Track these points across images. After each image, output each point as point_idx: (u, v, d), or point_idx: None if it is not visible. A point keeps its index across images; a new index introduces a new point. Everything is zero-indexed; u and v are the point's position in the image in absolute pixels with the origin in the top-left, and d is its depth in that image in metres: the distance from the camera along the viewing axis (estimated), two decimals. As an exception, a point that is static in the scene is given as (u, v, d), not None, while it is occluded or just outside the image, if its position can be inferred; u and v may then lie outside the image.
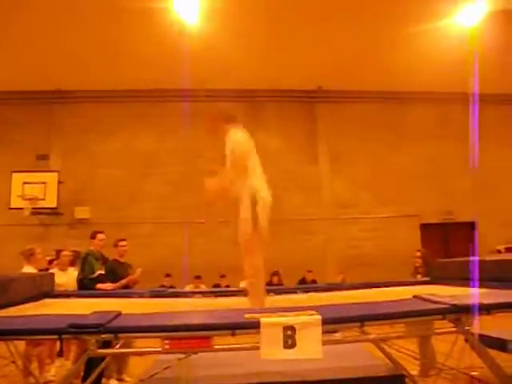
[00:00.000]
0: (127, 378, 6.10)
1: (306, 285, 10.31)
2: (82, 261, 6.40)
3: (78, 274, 6.32)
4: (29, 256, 6.85)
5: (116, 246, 6.86)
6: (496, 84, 12.78)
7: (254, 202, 4.26)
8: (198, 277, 11.68)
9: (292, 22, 10.71)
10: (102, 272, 6.27)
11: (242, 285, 11.26)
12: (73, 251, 7.90)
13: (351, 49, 11.59)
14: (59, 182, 12.49)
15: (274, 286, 9.84)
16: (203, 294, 6.07)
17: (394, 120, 14.39)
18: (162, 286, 10.35)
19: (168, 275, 11.55)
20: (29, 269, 6.78)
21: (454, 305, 3.06)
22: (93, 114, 13.55)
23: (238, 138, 4.44)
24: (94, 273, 6.16)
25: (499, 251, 12.23)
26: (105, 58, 11.54)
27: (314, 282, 11.44)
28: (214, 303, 4.72)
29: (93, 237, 6.55)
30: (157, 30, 10.45)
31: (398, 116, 14.41)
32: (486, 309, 3.07)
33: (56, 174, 12.62)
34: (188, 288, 10.61)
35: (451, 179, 14.06)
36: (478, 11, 10.57)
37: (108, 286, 6.08)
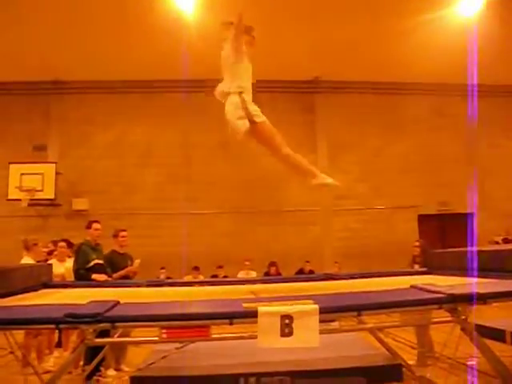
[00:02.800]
0: (126, 368, 6.12)
1: (303, 275, 10.35)
2: (77, 251, 6.39)
3: (74, 265, 6.31)
4: (30, 246, 6.88)
5: (116, 236, 6.86)
6: (493, 75, 12.77)
7: (243, 101, 4.25)
8: (195, 268, 11.72)
9: (289, 12, 10.65)
10: (99, 261, 6.25)
11: (240, 275, 11.35)
12: (64, 240, 7.91)
13: (349, 39, 11.52)
14: (57, 173, 12.48)
15: (272, 277, 9.89)
16: (201, 284, 6.08)
17: (392, 111, 14.37)
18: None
19: (163, 268, 11.54)
20: (28, 259, 6.80)
21: (451, 294, 3.07)
22: (90, 105, 13.50)
23: None
24: (89, 262, 6.14)
25: (497, 242, 12.26)
26: (102, 48, 11.47)
27: (311, 272, 11.49)
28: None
29: (88, 227, 6.55)
30: (154, 20, 10.38)
31: (396, 107, 14.39)
32: (483, 298, 3.07)
33: (54, 165, 12.60)
34: (186, 279, 10.63)
35: (448, 170, 14.07)
36: (476, 1, 10.54)
37: (102, 277, 6.06)
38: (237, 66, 4.41)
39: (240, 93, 4.27)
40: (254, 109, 4.25)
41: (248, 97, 4.29)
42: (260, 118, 4.23)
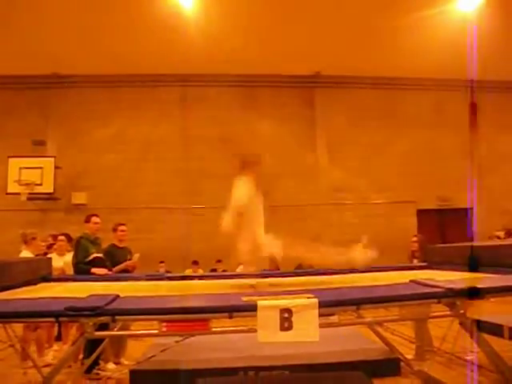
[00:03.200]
0: (125, 362, 6.13)
1: (303, 270, 10.35)
2: (76, 245, 6.38)
3: (73, 259, 6.30)
4: (30, 240, 6.87)
5: (115, 230, 6.84)
6: (493, 71, 12.74)
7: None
8: (195, 262, 11.72)
9: (290, 7, 10.62)
10: (98, 255, 6.24)
11: (240, 269, 11.35)
12: (64, 234, 7.90)
13: (350, 34, 11.50)
14: (56, 168, 12.45)
15: (271, 271, 9.89)
16: (201, 278, 6.09)
17: (392, 106, 14.35)
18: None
19: (162, 262, 11.54)
20: (26, 253, 6.80)
21: (450, 289, 3.08)
22: (89, 99, 13.46)
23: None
24: (88, 256, 6.14)
25: (498, 237, 12.26)
26: (101, 42, 11.43)
27: (311, 267, 11.48)
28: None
29: (87, 220, 6.53)
30: (153, 14, 10.36)
31: (396, 102, 14.37)
32: (482, 293, 3.09)
33: (53, 159, 12.58)
34: (186, 273, 10.64)
35: (448, 165, 14.06)
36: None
37: (102, 270, 6.05)
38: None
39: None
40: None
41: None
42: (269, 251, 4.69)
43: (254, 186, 4.79)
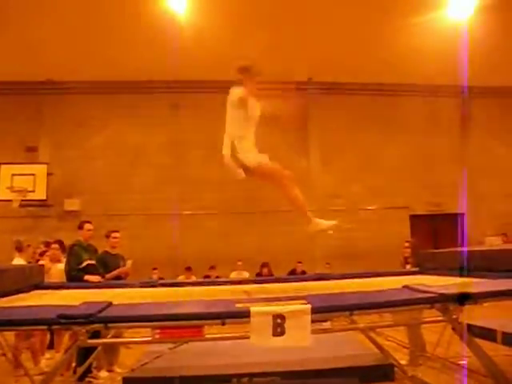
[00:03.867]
0: (118, 369, 6.10)
1: (295, 275, 10.37)
2: (69, 252, 6.35)
3: (66, 266, 6.27)
4: (23, 248, 6.85)
5: (108, 237, 6.82)
6: (485, 77, 12.86)
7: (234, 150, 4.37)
8: (188, 268, 11.68)
9: (282, 13, 10.67)
10: (91, 262, 6.22)
11: (233, 275, 11.35)
12: (57, 241, 7.88)
13: (342, 40, 11.56)
14: (48, 174, 12.42)
15: (264, 278, 9.89)
16: (194, 284, 6.08)
17: (384, 112, 14.42)
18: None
19: (155, 268, 11.51)
20: (19, 260, 6.78)
21: (442, 294, 3.09)
22: (82, 106, 13.44)
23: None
24: (81, 263, 6.11)
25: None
26: (94, 48, 11.44)
27: (303, 272, 11.52)
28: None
29: (80, 227, 6.51)
30: (146, 20, 10.38)
31: (389, 108, 14.44)
32: (474, 298, 3.10)
33: (45, 165, 12.55)
34: (179, 279, 10.61)
35: (440, 171, 14.13)
36: (469, 4, 10.61)
37: (96, 278, 6.03)
38: (235, 113, 4.51)
39: (232, 141, 4.38)
40: (246, 156, 4.35)
41: (241, 144, 4.38)
42: (252, 162, 4.36)
43: (253, 96, 4.59)
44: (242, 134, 4.45)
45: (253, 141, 4.55)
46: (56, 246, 7.61)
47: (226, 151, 4.37)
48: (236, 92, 4.50)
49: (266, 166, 4.45)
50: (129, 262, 6.85)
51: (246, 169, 4.33)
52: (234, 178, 4.40)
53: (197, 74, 12.61)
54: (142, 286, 5.25)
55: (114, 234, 6.85)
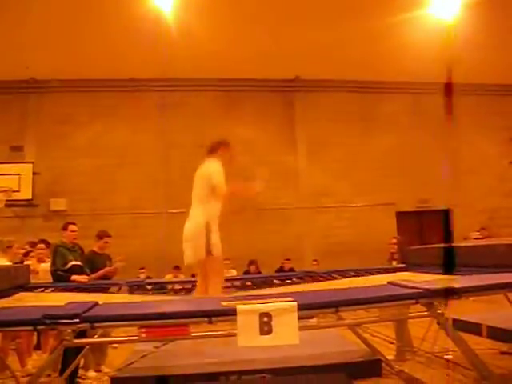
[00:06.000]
0: (106, 369, 6.07)
1: (283, 273, 10.38)
2: (53, 252, 6.31)
3: (51, 266, 6.23)
4: (6, 248, 6.77)
5: (100, 238, 6.76)
6: (470, 74, 12.94)
7: (208, 230, 4.68)
8: (176, 267, 11.64)
9: (270, 12, 10.68)
10: (77, 263, 6.18)
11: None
12: (42, 240, 7.83)
13: (328, 39, 11.58)
14: (34, 174, 12.32)
15: (252, 275, 9.90)
16: (181, 283, 6.08)
17: (371, 109, 14.51)
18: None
19: (142, 268, 11.46)
20: (3, 261, 6.70)
21: (427, 289, 3.12)
22: (67, 104, 13.35)
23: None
24: (66, 264, 6.08)
25: (475, 238, 12.41)
26: (79, 46, 11.35)
27: (291, 270, 11.52)
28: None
29: (65, 228, 6.46)
30: (132, 18, 10.31)
31: (375, 105, 14.54)
32: (458, 293, 3.13)
33: (31, 165, 12.44)
34: (167, 278, 10.59)
35: (426, 168, 14.23)
36: (453, 3, 10.69)
37: (83, 277, 6.00)
38: (209, 188, 4.86)
39: (208, 221, 4.67)
40: (216, 241, 4.67)
41: (215, 226, 4.71)
42: (217, 252, 4.66)
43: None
44: (216, 211, 4.82)
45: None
46: (42, 246, 7.55)
47: (198, 230, 4.71)
48: (214, 167, 4.90)
49: (219, 262, 4.84)
50: (119, 264, 6.82)
51: (207, 252, 4.62)
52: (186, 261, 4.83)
53: (183, 72, 12.59)
54: (128, 285, 5.24)
55: (106, 239, 6.79)
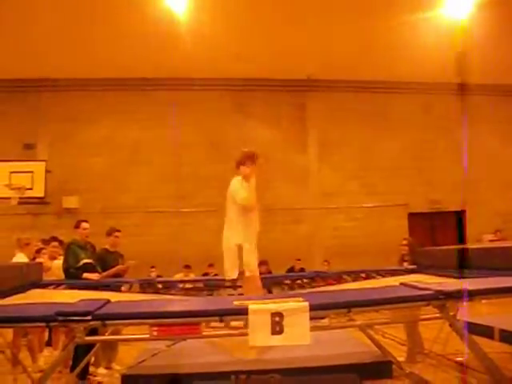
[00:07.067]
0: (116, 367, 6.10)
1: (294, 273, 10.38)
2: (66, 250, 6.36)
3: (63, 264, 6.27)
4: (24, 245, 6.87)
5: (110, 234, 6.82)
6: (483, 74, 12.84)
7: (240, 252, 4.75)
8: (187, 266, 11.69)
9: (282, 12, 10.65)
10: (88, 261, 6.22)
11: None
12: (53, 238, 7.89)
13: (341, 39, 11.56)
14: (46, 172, 12.39)
15: (263, 275, 9.89)
16: (192, 282, 6.09)
17: (383, 109, 14.42)
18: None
19: (153, 267, 11.51)
20: (21, 257, 6.78)
21: (439, 291, 3.10)
22: (80, 103, 13.42)
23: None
24: (78, 262, 6.12)
25: (490, 240, 12.31)
26: (93, 46, 11.41)
27: (302, 270, 11.51)
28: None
29: (77, 226, 6.50)
30: (144, 19, 10.35)
31: (387, 105, 14.45)
32: (471, 295, 3.10)
33: (43, 163, 12.51)
34: (177, 277, 10.61)
35: (438, 169, 14.14)
36: (466, 2, 10.60)
37: (95, 275, 6.04)
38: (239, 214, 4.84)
39: (239, 245, 4.70)
40: (248, 260, 4.69)
41: (249, 246, 4.74)
42: (250, 271, 4.69)
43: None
44: (249, 229, 4.84)
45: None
46: (56, 244, 7.61)
47: (228, 253, 4.80)
48: (235, 185, 4.96)
49: (255, 281, 4.81)
50: (130, 262, 6.85)
51: (240, 272, 4.68)
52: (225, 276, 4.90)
53: (195, 72, 12.60)
54: (140, 284, 5.26)
55: (116, 233, 6.85)
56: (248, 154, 5.08)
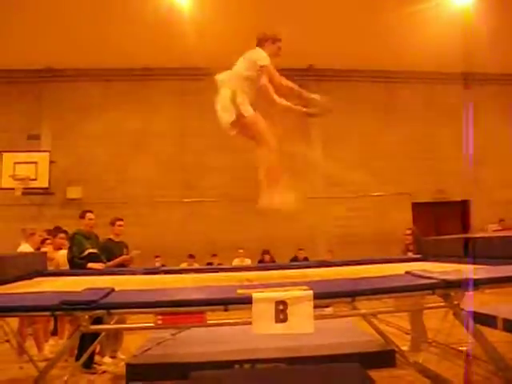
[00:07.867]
0: (121, 356, 6.15)
1: (297, 262, 10.39)
2: (70, 240, 6.39)
3: (68, 254, 6.31)
4: (28, 236, 6.93)
5: (113, 224, 6.85)
6: (487, 63, 12.76)
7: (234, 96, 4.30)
8: (191, 255, 11.73)
9: (283, 2, 10.59)
10: (93, 251, 6.25)
11: (235, 262, 11.37)
12: (57, 228, 7.93)
13: (343, 27, 11.47)
14: (51, 162, 12.40)
15: (266, 264, 9.92)
16: (196, 271, 6.10)
17: (386, 99, 14.36)
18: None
19: (157, 256, 11.55)
20: (26, 247, 6.83)
21: (444, 280, 3.09)
22: (84, 93, 13.40)
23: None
24: (83, 251, 6.14)
25: (495, 230, 12.29)
26: (95, 35, 11.35)
27: (305, 259, 11.53)
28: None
29: (82, 216, 6.54)
30: (149, 8, 10.30)
31: (390, 95, 14.38)
32: (475, 284, 3.09)
33: (47, 153, 12.52)
34: (182, 266, 10.65)
35: (443, 158, 14.09)
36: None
37: (99, 265, 6.08)
38: (248, 71, 4.46)
39: (234, 90, 4.29)
40: (243, 103, 4.22)
41: (242, 95, 4.27)
42: (247, 112, 4.21)
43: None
44: (245, 89, 4.33)
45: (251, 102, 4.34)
46: (62, 235, 7.64)
47: (225, 93, 4.34)
48: (263, 56, 4.47)
49: (259, 121, 4.28)
50: (135, 252, 6.89)
51: (238, 117, 4.20)
52: (223, 127, 4.36)
53: (200, 61, 12.53)
54: (145, 273, 5.27)
55: (118, 222, 6.88)
56: (270, 35, 4.76)
